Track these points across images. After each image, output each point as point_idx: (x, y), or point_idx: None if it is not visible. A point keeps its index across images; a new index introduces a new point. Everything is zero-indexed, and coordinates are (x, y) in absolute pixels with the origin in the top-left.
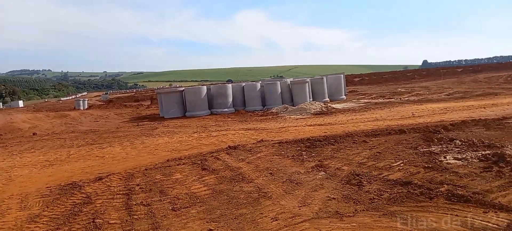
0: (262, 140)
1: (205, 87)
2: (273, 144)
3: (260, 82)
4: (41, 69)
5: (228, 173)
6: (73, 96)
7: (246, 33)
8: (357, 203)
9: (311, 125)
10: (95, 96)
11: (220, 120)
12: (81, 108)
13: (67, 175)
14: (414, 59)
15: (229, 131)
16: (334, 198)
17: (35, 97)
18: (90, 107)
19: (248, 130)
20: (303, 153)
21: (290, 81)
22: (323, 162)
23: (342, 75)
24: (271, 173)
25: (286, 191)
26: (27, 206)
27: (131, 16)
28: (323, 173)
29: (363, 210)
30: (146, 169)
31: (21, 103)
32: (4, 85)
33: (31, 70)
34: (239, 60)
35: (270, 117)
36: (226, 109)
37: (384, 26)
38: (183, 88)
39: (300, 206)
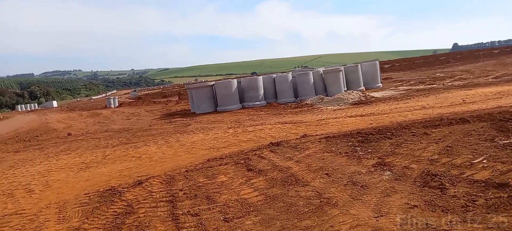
0: (305, 135)
1: (235, 80)
2: (319, 139)
3: (292, 73)
4: (72, 70)
5: (278, 174)
6: (103, 95)
7: (269, 25)
8: (447, 212)
9: (352, 116)
10: (124, 94)
11: (253, 113)
12: (112, 106)
13: (105, 179)
14: (443, 43)
15: (265, 126)
16: (415, 206)
17: (67, 97)
18: (120, 105)
19: (285, 123)
20: (357, 148)
21: (323, 70)
22: (384, 160)
23: (377, 62)
24: (327, 174)
25: (352, 196)
26: (66, 218)
27: (155, 14)
28: (389, 172)
29: (460, 221)
30: (186, 171)
31: (55, 103)
32: (38, 86)
33: (63, 71)
34: (263, 52)
35: (305, 108)
36: (258, 103)
37: (411, 11)
38: (213, 82)
39: (377, 217)
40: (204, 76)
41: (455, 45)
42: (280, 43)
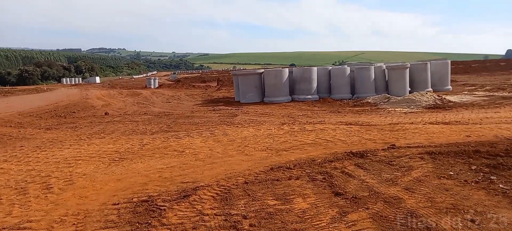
0: (393, 145)
1: (287, 70)
2: (419, 154)
3: (349, 66)
4: (116, 48)
5: (386, 208)
6: (144, 75)
7: (311, 16)
8: None
9: (433, 123)
10: (164, 76)
11: (306, 108)
12: (152, 87)
13: (141, 181)
14: (495, 48)
15: (325, 125)
16: None
17: (110, 74)
18: (160, 86)
19: (349, 124)
20: (490, 177)
21: (386, 66)
22: None
23: (448, 61)
24: (472, 221)
25: None
26: None
27: None
28: None
29: None
30: (246, 182)
31: (98, 79)
32: (84, 61)
33: (108, 49)
34: (302, 44)
35: (368, 108)
36: (310, 96)
37: (462, 12)
38: (262, 70)
39: None
40: (242, 64)
41: (509, 51)
42: (321, 36)
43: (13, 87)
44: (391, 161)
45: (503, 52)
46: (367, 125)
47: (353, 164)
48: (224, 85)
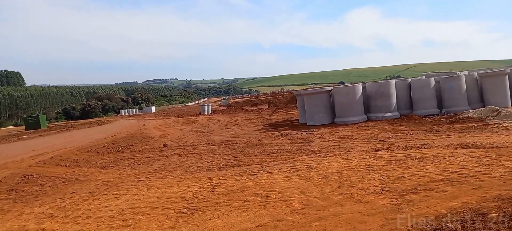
0: None
1: (360, 85)
2: None
3: (434, 77)
4: (169, 78)
5: None
6: (196, 102)
7: (357, 33)
8: None
9: None
10: (214, 101)
11: (391, 128)
12: (206, 113)
13: None
14: None
15: (434, 150)
16: None
17: (164, 103)
18: (214, 112)
19: (468, 148)
20: None
21: (479, 73)
22: None
23: None
24: None
25: None
26: None
27: (245, 25)
28: None
29: None
30: None
31: (153, 109)
32: (140, 93)
33: (161, 79)
34: (350, 61)
35: (473, 124)
36: (389, 114)
37: None
38: (331, 87)
39: None
40: (290, 85)
41: None
42: (369, 52)
43: (77, 121)
44: None
45: None
46: (493, 148)
47: None
48: (279, 108)
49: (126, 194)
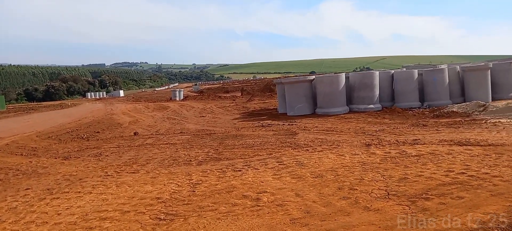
0: None
1: (343, 75)
2: None
3: (417, 70)
4: (139, 62)
5: None
6: (166, 87)
7: (330, 24)
8: None
9: None
10: (185, 87)
11: (375, 121)
12: (177, 99)
13: None
14: None
15: (428, 146)
16: None
17: (133, 87)
18: (185, 98)
19: (463, 145)
20: None
21: (461, 67)
22: None
23: None
24: None
25: None
26: None
27: (218, 11)
28: None
29: None
30: None
31: (121, 92)
32: (108, 75)
33: (131, 63)
34: (323, 52)
35: (459, 119)
36: (372, 106)
37: (486, 11)
38: (313, 77)
39: None
40: (262, 73)
41: None
42: (341, 43)
43: (39, 103)
44: None
45: None
46: (489, 145)
47: None
48: (254, 96)
49: (91, 193)
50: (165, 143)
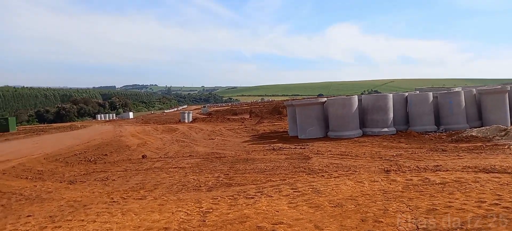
0: None
1: (356, 97)
2: None
3: (432, 92)
4: (148, 84)
5: None
6: (175, 109)
7: (338, 47)
8: None
9: None
10: (194, 109)
11: (391, 146)
12: (186, 121)
13: None
14: None
15: (452, 173)
16: None
17: (143, 109)
18: (194, 120)
19: (490, 172)
20: None
21: (478, 90)
22: None
23: None
24: None
25: None
26: None
27: (227, 34)
28: None
29: None
30: None
31: (131, 114)
32: (118, 98)
33: (141, 85)
34: (330, 74)
35: (480, 144)
36: (386, 129)
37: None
38: (325, 99)
39: None
40: (270, 96)
41: None
42: (348, 66)
43: (49, 125)
44: None
45: None
46: None
47: None
48: (263, 118)
49: (95, 221)
50: (173, 166)
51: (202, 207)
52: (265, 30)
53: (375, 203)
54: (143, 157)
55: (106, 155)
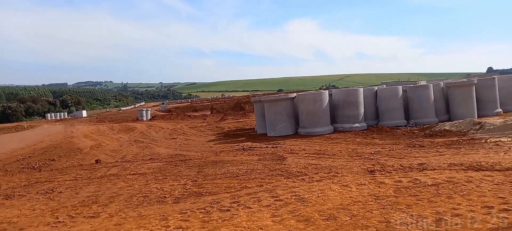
0: None
1: (327, 92)
2: None
3: (401, 86)
4: (103, 81)
5: None
6: (132, 106)
7: (296, 43)
8: None
9: None
10: (152, 106)
11: (365, 142)
12: (144, 119)
13: None
14: (476, 66)
15: (441, 172)
16: None
17: (97, 107)
18: (153, 118)
19: (480, 170)
20: None
21: (446, 83)
22: None
23: None
24: None
25: None
26: None
27: (186, 29)
28: None
29: None
30: None
31: (84, 113)
32: (70, 95)
33: (95, 82)
34: (289, 70)
35: (456, 139)
36: (357, 125)
37: (443, 32)
38: (295, 94)
39: None
40: (231, 92)
41: (490, 69)
42: (307, 62)
43: None
44: None
45: (484, 70)
46: (508, 170)
47: None
48: (226, 114)
49: None
50: (132, 173)
51: (169, 226)
52: (224, 25)
53: (371, 213)
54: (97, 161)
55: (53, 160)
